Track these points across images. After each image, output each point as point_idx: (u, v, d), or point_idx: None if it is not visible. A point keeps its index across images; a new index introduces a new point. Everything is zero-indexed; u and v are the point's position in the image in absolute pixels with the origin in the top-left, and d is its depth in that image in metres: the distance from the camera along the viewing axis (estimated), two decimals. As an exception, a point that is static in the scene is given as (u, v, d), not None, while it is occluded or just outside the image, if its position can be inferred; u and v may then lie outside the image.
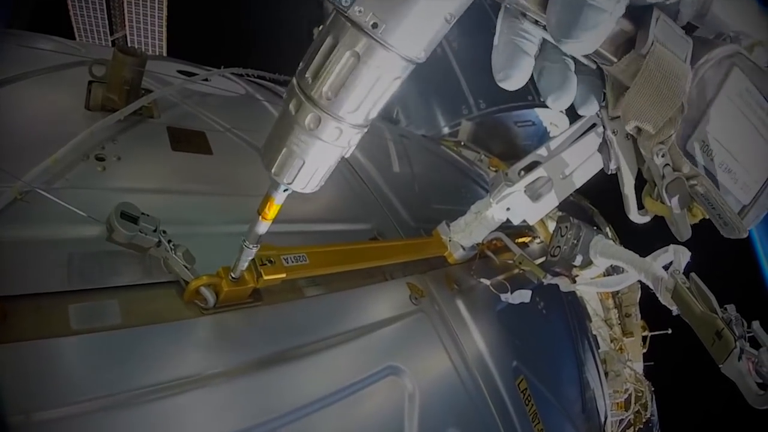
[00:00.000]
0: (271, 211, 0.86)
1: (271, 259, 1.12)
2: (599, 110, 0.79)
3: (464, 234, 1.69)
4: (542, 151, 1.48)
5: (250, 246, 0.96)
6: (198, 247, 1.14)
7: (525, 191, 1.47)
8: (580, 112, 0.78)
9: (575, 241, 1.64)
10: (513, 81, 0.69)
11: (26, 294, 0.91)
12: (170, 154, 1.51)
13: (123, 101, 1.54)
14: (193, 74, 2.37)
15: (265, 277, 1.10)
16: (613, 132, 0.84)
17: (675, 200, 0.74)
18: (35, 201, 1.06)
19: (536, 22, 0.64)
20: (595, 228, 1.66)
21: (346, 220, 1.68)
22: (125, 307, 0.99)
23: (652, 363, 5.62)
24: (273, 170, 0.75)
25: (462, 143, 4.19)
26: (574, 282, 1.76)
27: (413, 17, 0.59)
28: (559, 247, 1.70)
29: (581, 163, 1.41)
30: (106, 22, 9.99)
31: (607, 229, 4.97)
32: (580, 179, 1.44)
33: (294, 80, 0.70)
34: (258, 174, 1.66)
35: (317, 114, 0.67)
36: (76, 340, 0.89)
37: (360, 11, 0.59)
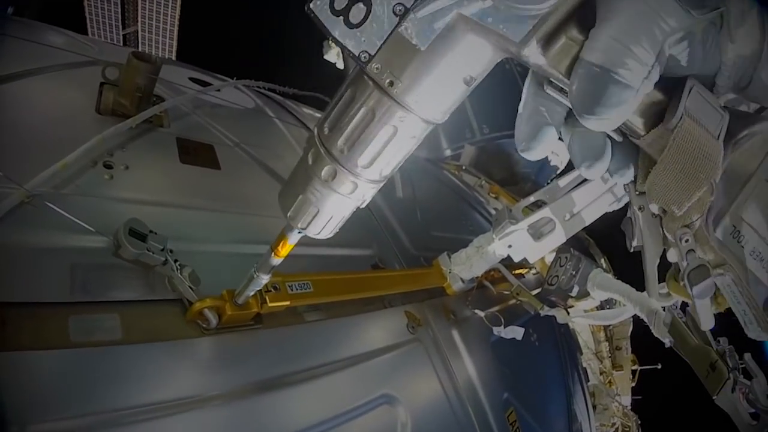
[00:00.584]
0: (284, 250, 0.87)
1: (276, 285, 1.13)
2: (626, 184, 0.74)
3: (464, 267, 1.70)
4: (548, 190, 1.50)
5: (261, 276, 0.97)
6: (201, 264, 1.14)
7: (528, 230, 1.48)
8: (613, 180, 0.72)
9: (574, 272, 1.66)
10: (535, 153, 0.65)
11: (26, 302, 0.90)
12: (178, 167, 1.51)
13: (134, 107, 1.54)
14: (205, 83, 2.39)
15: (270, 304, 1.10)
16: (639, 208, 0.76)
17: (697, 289, 0.67)
18: (42, 206, 1.05)
19: (561, 90, 0.60)
20: (594, 262, 1.67)
21: (348, 245, 1.69)
22: (126, 322, 0.98)
23: (641, 397, 5.61)
24: (289, 214, 0.76)
25: (463, 167, 4.21)
26: (569, 314, 1.77)
27: (431, 79, 0.59)
28: (557, 276, 1.71)
29: (586, 206, 1.43)
30: (120, 15, 10.03)
31: (602, 260, 4.98)
32: (583, 221, 1.45)
33: (315, 129, 0.70)
34: (264, 193, 1.68)
35: (333, 167, 0.68)
36: (75, 353, 0.87)
37: (377, 68, 0.59)
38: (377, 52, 0.58)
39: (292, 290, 1.16)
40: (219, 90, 2.29)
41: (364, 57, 0.58)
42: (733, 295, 0.68)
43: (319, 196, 0.72)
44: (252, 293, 1.04)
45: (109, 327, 0.96)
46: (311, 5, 0.57)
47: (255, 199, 1.58)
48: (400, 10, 0.56)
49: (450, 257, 1.75)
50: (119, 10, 9.93)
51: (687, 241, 0.66)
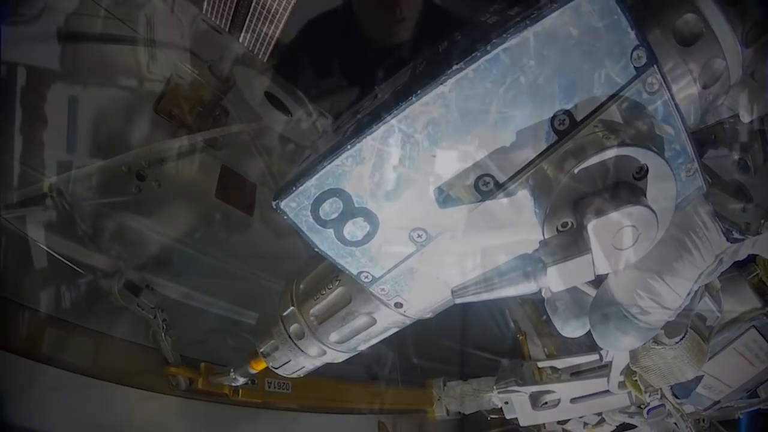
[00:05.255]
0: (258, 367, 0.83)
1: (255, 380, 1.08)
2: None
3: (455, 401, 1.60)
4: (566, 363, 1.41)
5: (237, 378, 0.92)
6: (193, 319, 1.14)
7: (530, 395, 1.40)
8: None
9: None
10: (578, 332, 0.65)
11: (10, 299, 0.87)
12: (210, 201, 1.43)
13: (192, 118, 1.47)
14: (281, 104, 2.35)
15: (241, 398, 1.07)
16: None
17: (651, 417, 0.98)
18: (62, 204, 1.01)
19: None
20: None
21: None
22: (100, 352, 0.96)
23: None
24: (263, 350, 0.73)
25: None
26: None
27: (439, 296, 0.57)
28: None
29: (595, 396, 1.33)
30: (239, -15, 10.16)
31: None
32: (587, 410, 1.36)
33: (295, 280, 0.68)
34: (287, 259, 1.59)
35: (302, 328, 0.66)
36: (40, 366, 0.86)
37: (383, 290, 0.55)
38: (385, 275, 0.54)
39: (269, 387, 1.11)
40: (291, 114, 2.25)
41: (366, 277, 0.54)
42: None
43: (290, 349, 0.69)
44: (226, 384, 1.00)
45: (82, 350, 0.94)
46: (281, 204, 0.48)
47: (274, 263, 1.47)
48: (420, 236, 0.50)
49: (444, 385, 1.65)
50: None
51: (650, 395, 0.92)
